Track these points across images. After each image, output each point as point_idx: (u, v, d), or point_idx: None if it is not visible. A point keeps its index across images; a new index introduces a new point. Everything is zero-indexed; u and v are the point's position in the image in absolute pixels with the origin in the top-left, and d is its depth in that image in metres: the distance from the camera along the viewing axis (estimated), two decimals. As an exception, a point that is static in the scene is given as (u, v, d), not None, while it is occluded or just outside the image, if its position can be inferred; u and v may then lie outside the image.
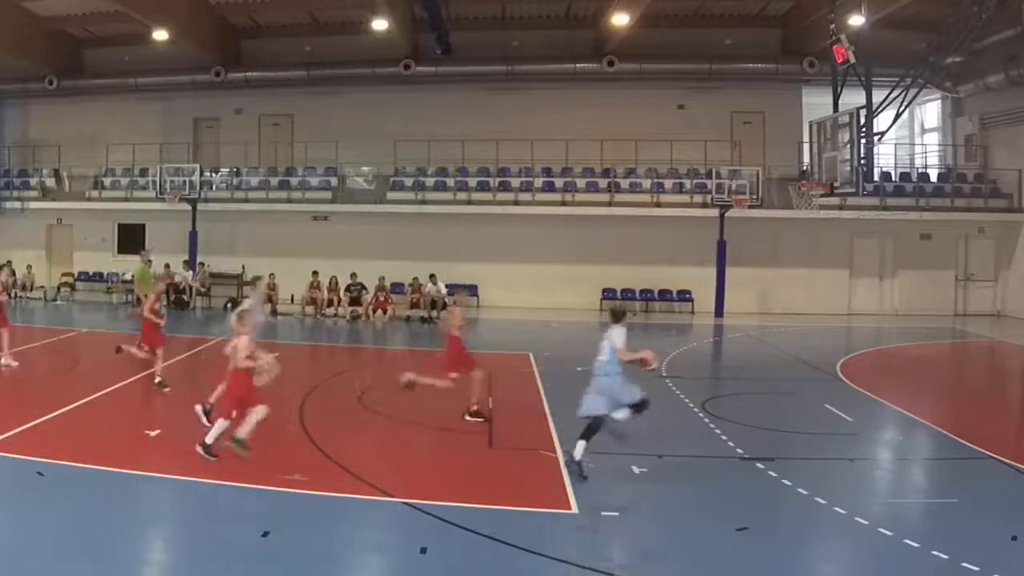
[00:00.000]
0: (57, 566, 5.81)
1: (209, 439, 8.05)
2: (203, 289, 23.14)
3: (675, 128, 24.34)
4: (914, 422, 10.76)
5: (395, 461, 8.67)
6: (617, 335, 8.06)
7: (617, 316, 8.31)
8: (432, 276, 21.89)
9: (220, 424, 8.11)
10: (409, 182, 24.95)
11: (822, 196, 20.65)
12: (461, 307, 11.36)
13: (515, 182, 24.79)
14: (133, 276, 18.34)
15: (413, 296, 22.02)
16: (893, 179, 24.60)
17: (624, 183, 24.54)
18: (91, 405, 10.54)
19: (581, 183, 24.53)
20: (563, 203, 24.10)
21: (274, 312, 21.66)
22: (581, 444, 7.93)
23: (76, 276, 25.63)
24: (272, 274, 22.27)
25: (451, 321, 10.60)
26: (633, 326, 22.93)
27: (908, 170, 25.46)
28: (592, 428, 7.98)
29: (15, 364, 12.77)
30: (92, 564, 5.90)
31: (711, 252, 22.82)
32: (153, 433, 9.16)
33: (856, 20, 18.05)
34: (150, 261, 16.84)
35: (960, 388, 14.75)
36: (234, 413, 8.00)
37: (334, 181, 25.44)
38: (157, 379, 11.49)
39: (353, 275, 22.06)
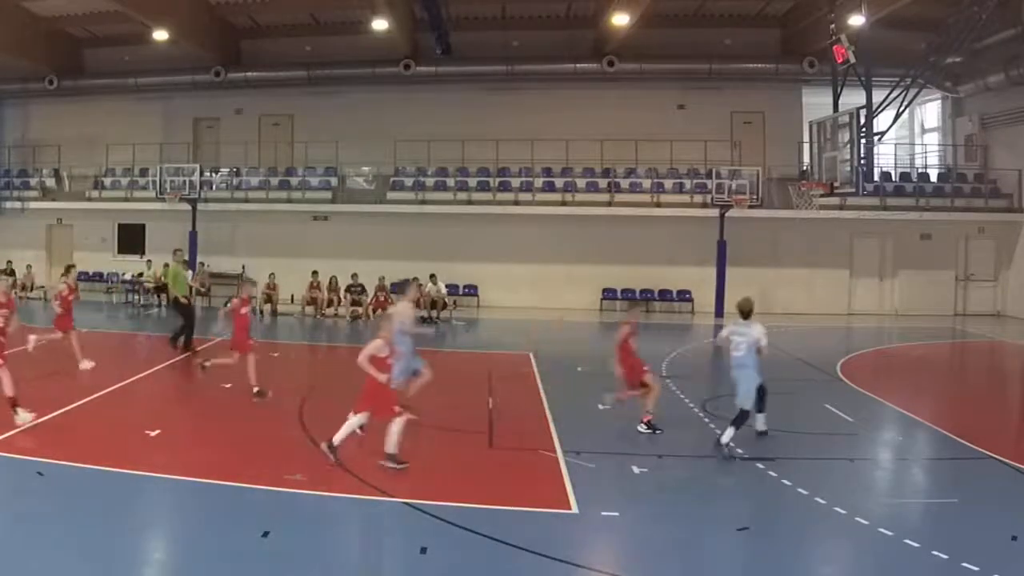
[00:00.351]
0: (57, 566, 5.81)
1: (390, 448, 7.99)
2: (203, 289, 23.12)
3: (675, 128, 24.34)
4: (914, 422, 10.76)
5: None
6: (760, 332, 8.85)
7: (748, 312, 9.06)
8: (432, 276, 21.89)
9: (353, 420, 8.11)
10: (409, 182, 24.94)
11: (822, 196, 20.64)
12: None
13: (515, 182, 24.78)
14: (166, 276, 18.26)
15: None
16: (893, 179, 24.60)
17: (624, 183, 24.54)
18: (91, 405, 10.54)
19: (581, 183, 24.52)
20: (563, 203, 24.09)
21: (274, 312, 21.67)
22: (730, 431, 8.82)
23: (76, 276, 25.58)
24: (272, 274, 22.30)
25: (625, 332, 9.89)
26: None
27: (908, 170, 25.45)
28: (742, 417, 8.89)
29: (90, 365, 12.62)
30: (92, 564, 5.90)
31: (711, 252, 22.80)
32: (153, 433, 9.15)
33: (856, 20, 18.04)
34: (185, 261, 16.86)
35: (960, 388, 14.75)
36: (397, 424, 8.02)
37: (334, 181, 25.45)
38: (256, 388, 11.10)
39: (354, 276, 22.07)
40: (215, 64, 25.04)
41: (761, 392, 9.11)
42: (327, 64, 25.07)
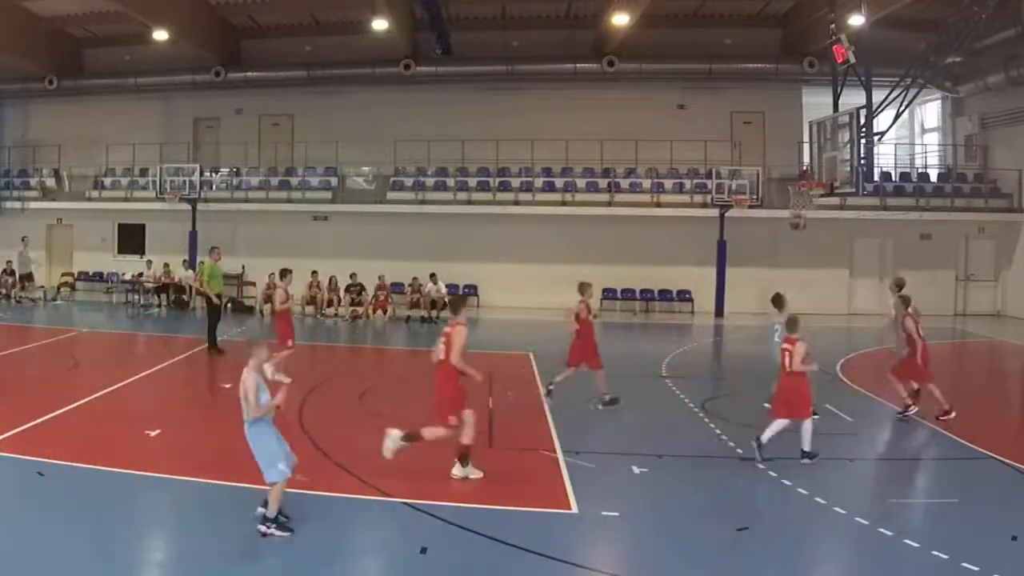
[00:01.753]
0: (57, 566, 5.81)
1: (805, 446, 8.61)
2: (203, 289, 23.11)
3: (675, 128, 24.31)
4: (914, 422, 10.76)
5: (395, 461, 8.64)
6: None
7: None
8: (432, 276, 21.89)
9: (777, 424, 8.60)
10: (409, 182, 24.94)
11: (822, 196, 20.62)
12: None
13: (515, 182, 24.78)
14: (202, 273, 18.09)
15: (413, 296, 22.02)
16: (893, 179, 24.58)
17: (624, 183, 24.53)
18: (91, 405, 10.54)
19: (581, 183, 24.52)
20: (563, 203, 24.09)
21: (273, 312, 21.64)
22: None
23: (76, 276, 25.64)
24: (272, 274, 22.26)
25: None
26: (634, 326, 22.97)
27: (908, 170, 25.43)
28: None
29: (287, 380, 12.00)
30: (92, 564, 5.90)
31: (711, 252, 22.80)
32: (153, 433, 9.15)
33: (856, 20, 18.02)
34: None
35: (960, 388, 14.68)
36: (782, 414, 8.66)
37: (334, 181, 25.45)
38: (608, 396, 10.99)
39: (353, 275, 22.05)
40: (215, 64, 25.03)
41: None
42: (327, 64, 25.05)
